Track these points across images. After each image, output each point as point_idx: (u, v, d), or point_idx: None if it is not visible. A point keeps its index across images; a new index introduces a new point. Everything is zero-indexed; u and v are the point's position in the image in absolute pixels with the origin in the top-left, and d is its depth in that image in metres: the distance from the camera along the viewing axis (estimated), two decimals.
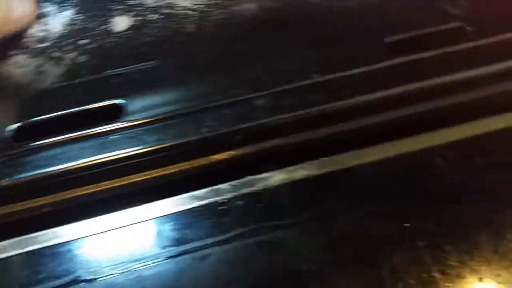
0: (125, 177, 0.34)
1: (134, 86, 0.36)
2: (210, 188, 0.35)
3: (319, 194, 0.34)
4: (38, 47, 0.38)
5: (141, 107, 0.35)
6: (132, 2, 0.41)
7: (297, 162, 0.35)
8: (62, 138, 0.34)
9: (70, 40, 0.39)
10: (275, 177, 0.35)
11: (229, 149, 0.35)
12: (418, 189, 0.34)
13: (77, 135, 0.34)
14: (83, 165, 0.33)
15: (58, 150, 0.33)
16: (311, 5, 0.40)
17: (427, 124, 0.37)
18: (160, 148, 0.34)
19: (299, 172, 0.35)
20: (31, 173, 0.33)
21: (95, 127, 0.34)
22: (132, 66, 0.37)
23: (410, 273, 0.31)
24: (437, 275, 0.31)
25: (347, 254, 0.32)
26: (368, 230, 0.33)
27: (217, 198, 0.35)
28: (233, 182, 0.35)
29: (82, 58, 0.39)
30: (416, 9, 0.41)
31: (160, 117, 0.34)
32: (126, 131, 0.34)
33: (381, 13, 0.40)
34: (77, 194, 0.33)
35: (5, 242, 0.33)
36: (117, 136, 0.34)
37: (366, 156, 0.35)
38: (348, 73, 0.36)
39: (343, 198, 0.34)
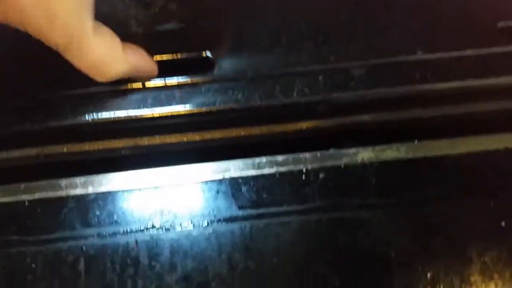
0: (208, 132, 0.33)
1: (226, 41, 0.35)
2: (291, 155, 0.33)
3: (409, 179, 0.32)
4: None
5: (232, 63, 0.34)
6: None
7: (387, 142, 0.33)
8: (147, 85, 0.33)
9: None
10: (362, 154, 0.33)
11: (317, 118, 0.33)
12: None
13: (163, 83, 0.33)
14: (166, 113, 0.32)
15: (142, 96, 0.33)
16: None
17: None
18: (247, 107, 0.32)
19: (389, 152, 0.33)
20: (114, 114, 0.32)
21: (183, 77, 0.33)
22: (224, 21, 0.36)
23: (503, 276, 0.29)
24: None
25: (437, 246, 0.29)
26: (461, 223, 0.30)
27: (298, 167, 0.33)
28: (316, 153, 0.34)
29: (172, 6, 0.38)
30: None
31: (250, 75, 0.33)
32: (214, 85, 0.32)
33: None
34: (158, 142, 0.32)
35: (83, 179, 0.33)
36: (204, 89, 0.32)
37: (464, 145, 0.33)
38: (455, 54, 0.33)
39: (435, 186, 0.32)
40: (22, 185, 0.34)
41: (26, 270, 0.31)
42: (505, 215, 0.30)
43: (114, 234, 0.32)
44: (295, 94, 0.32)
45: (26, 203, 0.34)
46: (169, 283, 0.30)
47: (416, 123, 0.33)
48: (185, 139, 0.33)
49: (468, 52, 0.33)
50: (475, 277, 0.29)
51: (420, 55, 0.32)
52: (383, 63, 0.32)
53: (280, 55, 0.33)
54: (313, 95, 0.31)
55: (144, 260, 0.31)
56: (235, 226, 0.31)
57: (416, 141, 0.32)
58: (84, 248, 0.32)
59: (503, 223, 0.30)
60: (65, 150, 0.34)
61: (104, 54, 0.28)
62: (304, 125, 0.33)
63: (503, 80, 0.32)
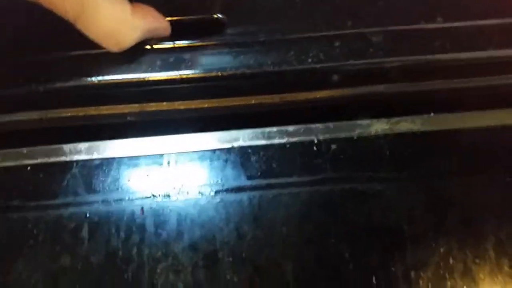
0: (217, 99, 0.32)
1: (239, 4, 0.33)
2: (303, 126, 0.32)
3: (423, 152, 0.31)
4: None
5: (244, 26, 0.32)
6: None
7: (402, 114, 0.32)
8: (155, 46, 0.32)
9: None
10: (376, 126, 0.32)
11: (330, 87, 0.32)
12: None
13: (172, 45, 0.32)
14: (174, 77, 0.31)
15: (150, 58, 0.32)
16: None
17: None
18: (259, 72, 0.31)
19: (404, 124, 0.32)
20: (120, 76, 0.31)
21: (193, 40, 0.32)
22: None
23: None
24: None
25: (450, 220, 0.28)
26: (475, 198, 0.29)
27: (309, 138, 0.32)
28: (328, 124, 0.33)
29: None
30: None
31: (262, 39, 0.32)
32: (225, 49, 0.31)
33: None
34: (165, 108, 0.31)
35: (87, 144, 0.32)
36: (215, 53, 0.31)
37: (481, 120, 0.32)
38: (477, 23, 0.32)
39: (450, 160, 0.31)
40: (25, 150, 0.33)
41: (27, 235, 0.31)
42: None
43: (120, 200, 0.31)
44: (309, 60, 0.30)
45: (28, 168, 0.33)
46: (176, 252, 0.29)
47: (433, 95, 0.31)
48: (193, 106, 0.32)
49: (490, 21, 0.32)
50: (489, 253, 0.28)
51: (440, 23, 0.31)
52: (402, 30, 0.30)
53: (294, 18, 0.32)
54: (328, 61, 0.30)
55: (150, 227, 0.30)
56: (244, 196, 0.30)
57: (432, 114, 0.32)
58: (87, 214, 0.31)
59: None
60: (69, 114, 0.33)
61: (117, 22, 0.27)
62: (317, 94, 0.32)
63: None
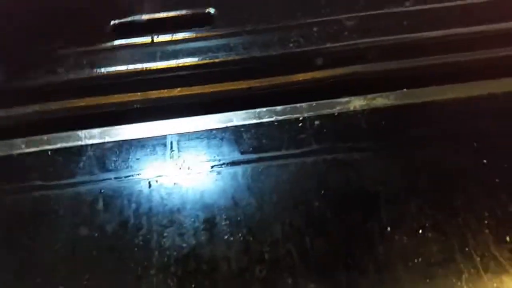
0: (209, 85, 0.36)
1: None
2: (289, 106, 0.36)
3: (397, 124, 0.34)
4: None
5: (230, 18, 0.36)
6: None
7: (378, 91, 0.36)
8: (155, 39, 0.36)
9: None
10: (354, 103, 0.36)
11: (310, 70, 0.36)
12: (498, 129, 0.34)
13: (167, 38, 0.36)
14: (173, 65, 0.35)
15: (150, 50, 0.36)
16: None
17: None
18: (246, 58, 0.35)
19: (380, 100, 0.35)
20: (123, 67, 0.35)
21: (188, 32, 0.36)
22: None
23: (485, 208, 0.31)
24: None
25: (422, 183, 0.32)
26: (445, 163, 0.33)
27: (295, 115, 0.36)
28: (312, 103, 0.36)
29: None
30: None
31: (248, 29, 0.36)
32: (214, 39, 0.35)
33: None
34: (166, 95, 0.36)
35: (100, 130, 0.36)
36: (205, 43, 0.35)
37: (450, 92, 0.35)
38: (441, 5, 0.35)
39: (421, 130, 0.34)
40: (45, 137, 0.38)
41: (49, 211, 0.35)
42: (487, 154, 0.33)
43: (130, 177, 0.35)
44: (291, 45, 0.34)
45: (49, 153, 0.37)
46: (179, 218, 0.33)
47: (405, 72, 0.35)
48: (190, 92, 0.36)
49: (452, 3, 0.35)
50: (459, 210, 0.31)
51: (408, 7, 0.35)
52: (373, 14, 0.34)
53: (277, 8, 0.36)
54: (308, 45, 0.34)
55: (156, 199, 0.34)
56: (238, 169, 0.34)
57: (404, 89, 0.35)
58: (102, 190, 0.35)
59: (485, 161, 0.33)
60: (83, 104, 0.37)
61: None
62: (300, 76, 0.36)
63: (483, 28, 0.34)
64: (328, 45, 0.34)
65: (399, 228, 0.31)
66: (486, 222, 0.30)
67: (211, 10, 0.35)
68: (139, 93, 0.35)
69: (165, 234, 0.33)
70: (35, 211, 0.35)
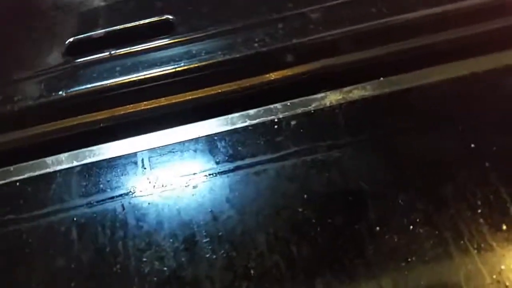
0: (177, 95, 0.34)
1: (183, 3, 0.35)
2: (262, 108, 0.34)
3: (376, 115, 0.33)
4: None
5: (191, 23, 0.34)
6: None
7: (354, 82, 0.34)
8: (113, 53, 0.34)
9: None
10: (330, 97, 0.34)
11: (281, 68, 0.34)
12: (482, 109, 0.32)
13: (127, 50, 0.34)
14: (135, 79, 0.33)
15: (110, 65, 0.34)
16: None
17: (496, 43, 0.34)
18: (210, 63, 0.33)
19: (356, 92, 0.34)
20: (83, 87, 0.33)
21: (145, 43, 0.34)
22: None
23: (477, 196, 0.30)
24: (506, 197, 0.29)
25: (408, 174, 0.30)
26: (430, 151, 0.31)
27: (269, 118, 0.34)
28: (286, 102, 0.34)
29: None
30: None
31: (210, 33, 0.34)
32: (176, 47, 0.33)
33: None
34: (131, 110, 0.34)
35: (67, 154, 0.34)
36: (167, 52, 0.33)
37: (427, 77, 0.33)
38: None
39: (402, 119, 0.32)
40: (12, 168, 0.36)
41: (23, 245, 0.33)
42: (474, 136, 0.31)
43: (102, 201, 0.33)
44: (256, 44, 0.32)
45: (17, 184, 0.36)
46: (158, 240, 0.31)
47: (379, 61, 0.33)
48: (156, 105, 0.34)
49: None
50: (450, 201, 0.29)
51: None
52: (337, 3, 0.32)
53: (237, 7, 0.34)
54: (274, 43, 0.32)
55: (132, 222, 0.32)
56: (215, 180, 0.32)
57: (381, 78, 0.33)
58: (74, 218, 0.33)
59: (472, 145, 0.31)
60: (47, 129, 0.35)
61: None
62: (271, 76, 0.34)
63: (453, 6, 0.32)
64: (294, 40, 0.32)
65: (388, 226, 0.29)
66: (479, 211, 0.28)
67: (170, 17, 0.34)
68: (103, 111, 0.34)
69: (143, 259, 0.31)
70: (9, 247, 0.34)
